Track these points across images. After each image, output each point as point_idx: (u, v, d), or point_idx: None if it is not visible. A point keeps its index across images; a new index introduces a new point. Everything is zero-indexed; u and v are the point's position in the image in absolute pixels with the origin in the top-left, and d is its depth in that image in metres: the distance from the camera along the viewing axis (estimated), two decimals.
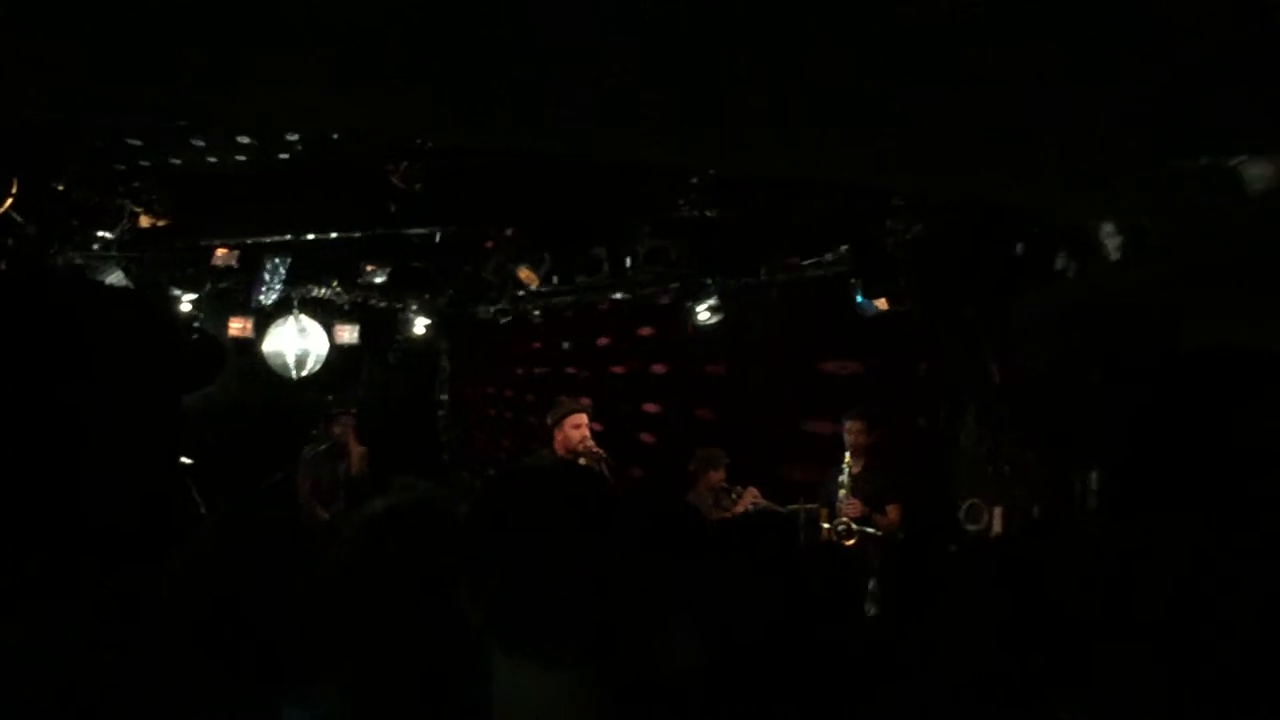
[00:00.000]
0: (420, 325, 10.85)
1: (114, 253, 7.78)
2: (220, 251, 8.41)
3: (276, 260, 8.76)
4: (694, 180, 6.71)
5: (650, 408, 10.03)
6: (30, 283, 6.77)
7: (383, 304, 10.55)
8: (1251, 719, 1.55)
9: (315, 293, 10.03)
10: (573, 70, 3.32)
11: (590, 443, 6.61)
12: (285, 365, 10.18)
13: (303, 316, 10.14)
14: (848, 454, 7.27)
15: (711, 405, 9.17)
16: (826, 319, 7.89)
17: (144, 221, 7.49)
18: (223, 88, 3.54)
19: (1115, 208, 4.47)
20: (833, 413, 7.67)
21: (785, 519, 6.97)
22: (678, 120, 3.78)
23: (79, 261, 7.74)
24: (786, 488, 7.58)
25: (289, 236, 8.39)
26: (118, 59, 3.33)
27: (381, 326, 10.88)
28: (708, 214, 7.21)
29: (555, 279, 8.59)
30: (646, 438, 9.92)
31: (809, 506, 7.37)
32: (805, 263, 7.72)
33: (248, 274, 8.84)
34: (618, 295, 9.34)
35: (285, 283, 9.04)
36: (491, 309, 10.57)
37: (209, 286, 9.06)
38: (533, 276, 8.58)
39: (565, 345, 10.92)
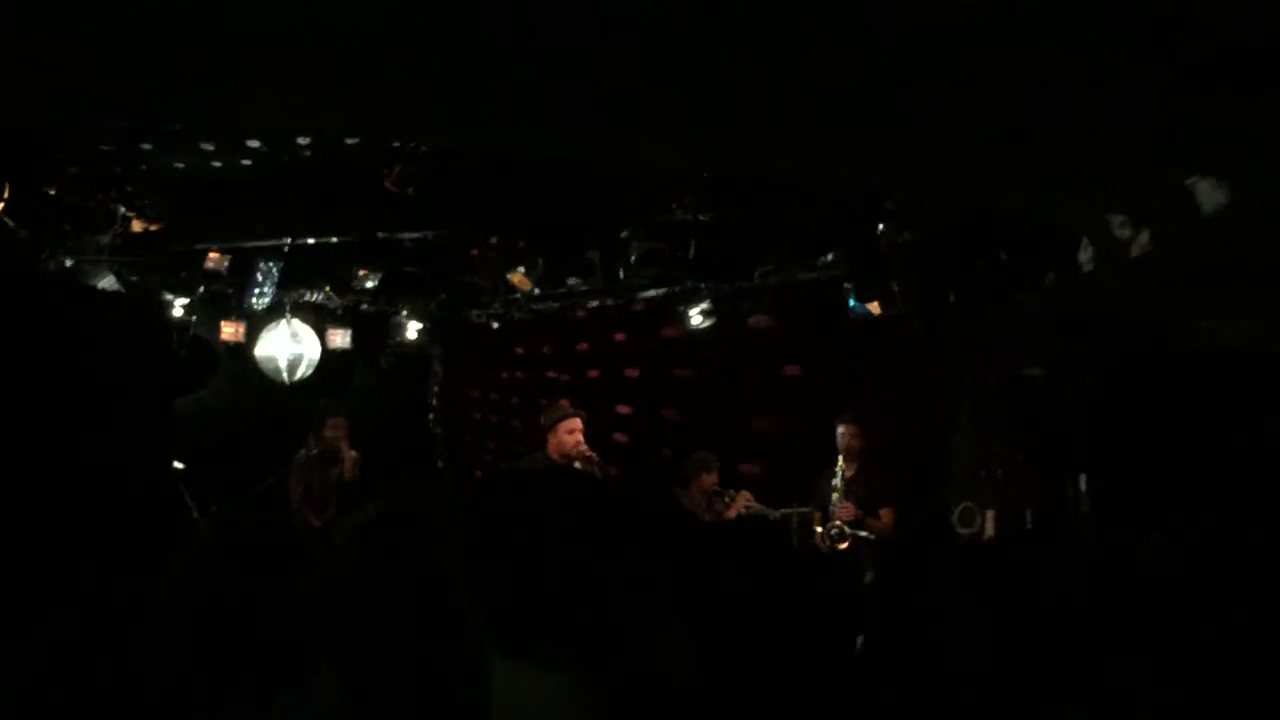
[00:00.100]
0: (413, 330, 10.82)
1: (106, 257, 7.76)
2: (212, 256, 8.40)
3: (269, 265, 8.74)
4: (686, 184, 6.73)
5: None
6: (22, 288, 6.77)
7: (375, 308, 10.53)
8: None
9: (308, 297, 10.00)
10: (573, 70, 3.33)
11: (584, 447, 6.61)
12: (277, 370, 10.14)
13: (295, 321, 10.11)
14: (841, 457, 7.26)
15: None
16: (820, 322, 7.92)
17: (136, 226, 7.48)
18: (223, 88, 3.54)
19: (1114, 209, 4.48)
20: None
21: (777, 524, 6.96)
22: (678, 121, 3.79)
23: (71, 266, 7.71)
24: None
25: (281, 241, 8.39)
26: (118, 59, 3.32)
27: (374, 331, 10.87)
28: (700, 218, 7.23)
29: (538, 288, 8.65)
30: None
31: (802, 510, 7.37)
32: (798, 266, 7.74)
33: (240, 278, 8.82)
34: (611, 300, 9.36)
35: (277, 287, 9.02)
36: (484, 313, 10.56)
37: (201, 291, 9.04)
38: (525, 281, 8.58)
39: (568, 349, 10.98)
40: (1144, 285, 4.49)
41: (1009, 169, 4.10)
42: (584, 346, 10.78)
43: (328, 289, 9.84)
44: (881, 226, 6.77)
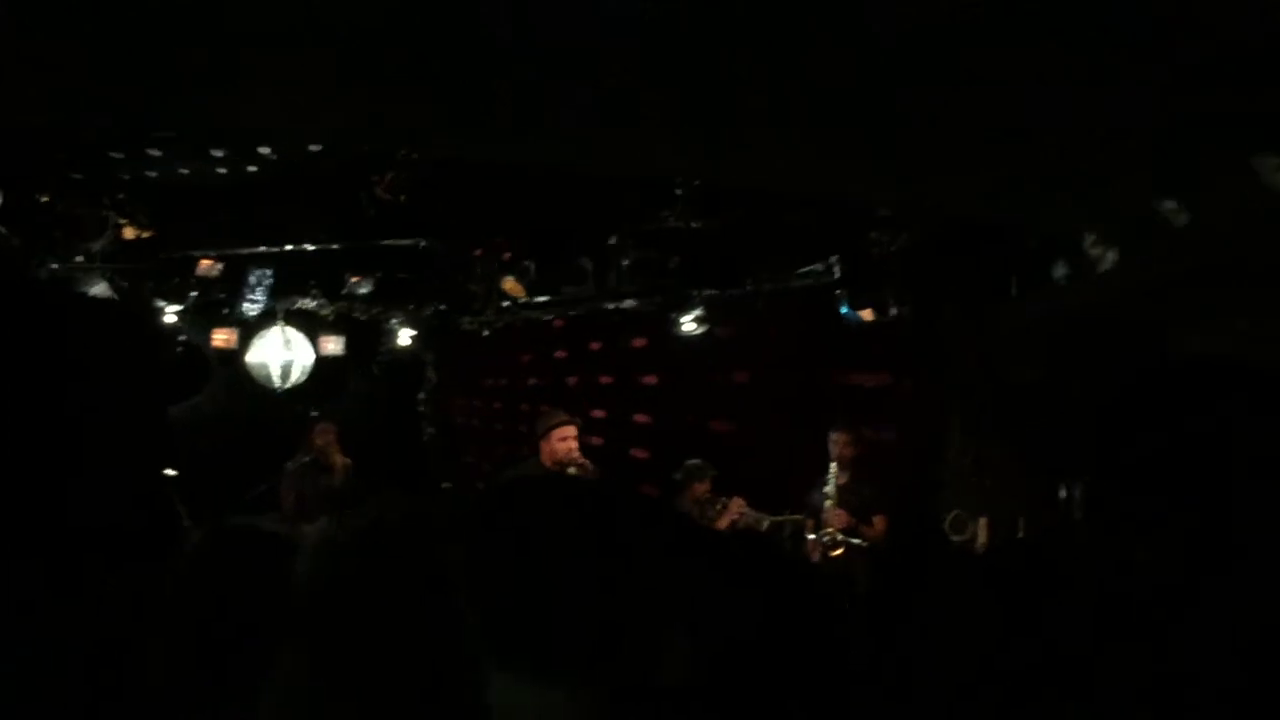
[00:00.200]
0: (405, 336, 10.83)
1: (98, 264, 7.74)
2: (204, 263, 8.40)
3: (261, 271, 8.73)
4: (679, 191, 6.73)
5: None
6: (14, 294, 6.76)
7: (368, 315, 10.52)
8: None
9: (300, 304, 9.99)
10: (573, 71, 3.34)
11: (577, 454, 6.59)
12: (270, 376, 10.13)
13: (288, 328, 10.11)
14: (833, 465, 7.26)
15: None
16: (814, 329, 7.92)
17: (128, 233, 7.47)
18: (223, 88, 3.54)
19: (1111, 212, 4.50)
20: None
21: (765, 537, 6.95)
22: (678, 121, 3.80)
23: (63, 273, 7.69)
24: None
25: (273, 248, 8.38)
26: (118, 59, 3.32)
27: (366, 337, 10.87)
28: (693, 225, 7.23)
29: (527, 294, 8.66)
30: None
31: (795, 518, 7.37)
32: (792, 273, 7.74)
33: (232, 285, 8.81)
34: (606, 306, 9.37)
35: (270, 294, 9.01)
36: (477, 320, 10.56)
37: (193, 298, 9.02)
38: (518, 288, 8.58)
39: (562, 354, 10.98)
40: (1143, 288, 4.50)
41: (1008, 170, 4.11)
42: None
43: (321, 295, 9.84)
44: (874, 233, 6.78)
